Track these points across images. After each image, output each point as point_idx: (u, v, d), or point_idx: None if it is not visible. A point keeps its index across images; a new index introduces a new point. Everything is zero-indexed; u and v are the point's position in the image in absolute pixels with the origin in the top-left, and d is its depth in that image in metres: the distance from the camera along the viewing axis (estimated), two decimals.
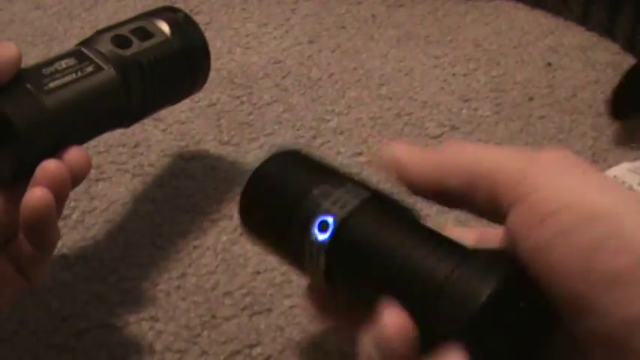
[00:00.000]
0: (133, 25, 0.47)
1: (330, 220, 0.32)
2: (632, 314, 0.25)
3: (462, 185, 0.31)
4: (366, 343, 0.30)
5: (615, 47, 0.73)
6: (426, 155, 0.32)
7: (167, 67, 0.47)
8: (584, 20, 0.75)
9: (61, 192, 0.37)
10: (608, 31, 0.73)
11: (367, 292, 0.32)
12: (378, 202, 0.33)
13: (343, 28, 0.76)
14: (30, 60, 0.41)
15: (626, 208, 0.27)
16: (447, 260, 0.29)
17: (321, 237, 0.32)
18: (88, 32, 0.72)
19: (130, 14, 0.76)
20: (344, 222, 0.32)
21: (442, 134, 0.62)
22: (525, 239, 0.28)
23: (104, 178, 0.57)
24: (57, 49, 0.70)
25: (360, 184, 0.34)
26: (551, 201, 0.27)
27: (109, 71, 0.42)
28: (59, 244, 0.50)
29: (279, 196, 0.35)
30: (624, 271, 0.25)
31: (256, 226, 0.38)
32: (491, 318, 0.27)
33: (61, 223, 0.52)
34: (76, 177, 0.39)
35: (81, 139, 0.41)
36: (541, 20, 0.77)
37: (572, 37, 0.74)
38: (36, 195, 0.35)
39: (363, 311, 0.33)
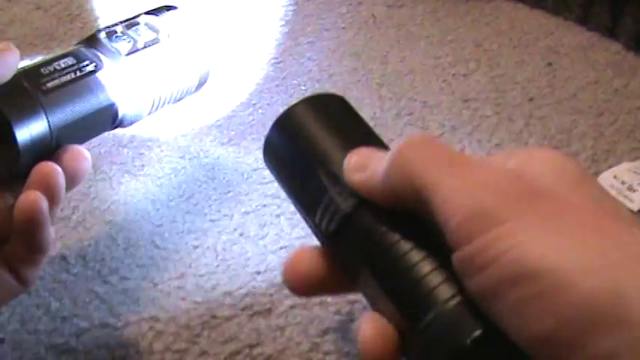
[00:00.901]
0: (132, 24, 0.47)
1: None
2: None
3: (407, 193, 0.29)
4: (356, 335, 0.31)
5: (615, 47, 0.73)
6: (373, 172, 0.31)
7: (167, 66, 0.47)
8: (584, 20, 0.75)
9: (55, 195, 0.37)
10: (609, 31, 0.73)
11: (364, 271, 0.31)
12: None
13: (343, 28, 0.76)
14: (30, 60, 0.41)
15: (568, 262, 0.24)
16: (451, 282, 0.28)
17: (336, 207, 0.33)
18: (87, 32, 0.72)
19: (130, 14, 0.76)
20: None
21: (442, 134, 0.62)
22: (467, 283, 0.27)
23: (104, 178, 0.57)
24: (57, 49, 0.70)
25: None
26: (492, 250, 0.25)
27: (108, 71, 0.42)
28: (59, 244, 0.50)
29: (307, 145, 0.35)
30: (548, 335, 0.24)
31: (277, 164, 0.38)
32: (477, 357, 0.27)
33: (61, 223, 0.52)
34: (76, 176, 0.38)
35: (80, 139, 0.41)
36: (541, 20, 0.77)
37: (572, 37, 0.74)
38: (29, 198, 0.35)
39: (350, 278, 0.33)
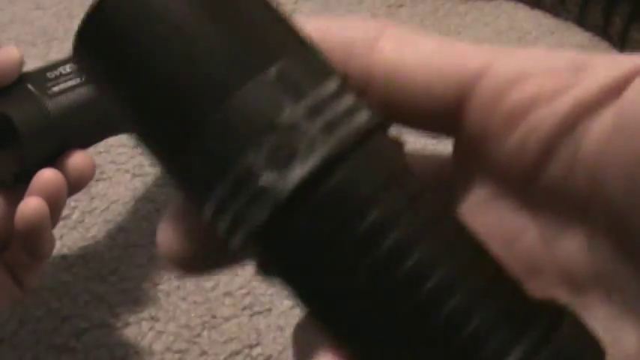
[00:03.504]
0: None
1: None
2: None
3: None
4: None
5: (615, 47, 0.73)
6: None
7: None
8: (581, 21, 0.75)
9: (56, 202, 0.36)
10: (603, 30, 0.73)
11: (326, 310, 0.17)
12: (384, 139, 0.17)
13: None
14: (30, 60, 0.41)
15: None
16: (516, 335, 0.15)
17: (275, 177, 0.15)
18: None
19: None
20: (330, 165, 0.16)
21: None
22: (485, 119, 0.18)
23: (104, 178, 0.57)
24: (57, 49, 0.70)
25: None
26: (511, 73, 0.18)
27: None
28: (59, 244, 0.50)
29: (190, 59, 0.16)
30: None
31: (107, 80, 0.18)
32: None
33: (61, 223, 0.52)
34: (80, 182, 0.38)
35: (85, 143, 0.41)
36: (541, 20, 0.77)
37: (572, 37, 0.74)
38: (30, 205, 0.35)
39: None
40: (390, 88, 0.19)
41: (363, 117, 0.16)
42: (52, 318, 0.46)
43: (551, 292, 0.19)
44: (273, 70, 0.16)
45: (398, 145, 0.17)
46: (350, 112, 0.16)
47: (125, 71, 0.17)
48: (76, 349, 0.44)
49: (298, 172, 0.15)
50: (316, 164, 0.15)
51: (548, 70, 0.18)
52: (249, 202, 0.16)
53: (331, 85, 0.16)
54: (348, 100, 0.16)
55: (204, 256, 0.21)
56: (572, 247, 0.18)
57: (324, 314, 0.17)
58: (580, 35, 0.75)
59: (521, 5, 0.79)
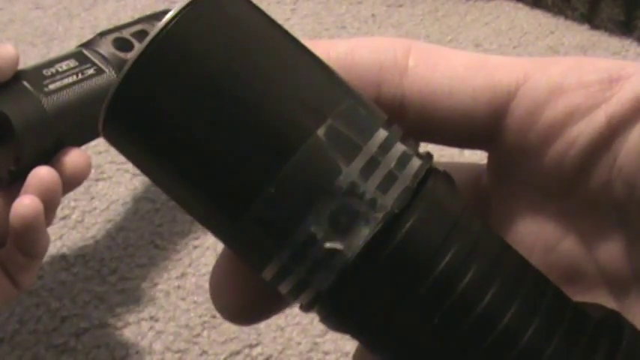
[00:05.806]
0: (134, 28, 0.47)
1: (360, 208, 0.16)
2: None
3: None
4: None
5: (615, 47, 0.73)
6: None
7: None
8: (589, 17, 0.75)
9: (51, 200, 0.36)
10: (623, 25, 0.73)
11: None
12: (446, 180, 0.17)
13: (343, 28, 0.76)
14: (30, 59, 0.41)
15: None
16: None
17: (338, 241, 0.15)
18: (87, 32, 0.72)
19: (130, 14, 0.76)
20: (392, 223, 0.15)
21: None
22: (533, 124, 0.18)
23: (104, 177, 0.57)
24: (57, 49, 0.70)
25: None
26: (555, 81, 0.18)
27: (109, 74, 0.43)
28: (59, 243, 0.50)
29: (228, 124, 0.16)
30: None
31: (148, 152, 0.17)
32: None
33: (61, 223, 0.52)
34: (75, 179, 0.38)
35: (81, 141, 0.41)
36: (541, 20, 0.77)
37: (572, 37, 0.74)
38: (25, 203, 0.35)
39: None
40: (424, 109, 0.19)
41: (415, 165, 0.16)
42: (52, 318, 0.46)
43: (592, 294, 0.19)
44: (322, 131, 0.16)
45: (450, 183, 0.17)
46: (402, 162, 0.16)
47: (176, 145, 0.16)
48: (76, 349, 0.44)
49: (362, 234, 0.15)
50: (379, 225, 0.15)
51: (581, 84, 0.18)
52: (314, 267, 0.16)
53: (380, 134, 0.16)
54: (398, 148, 0.16)
55: (259, 309, 0.21)
56: (612, 249, 0.18)
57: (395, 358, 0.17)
58: (581, 35, 0.75)
59: (521, 5, 0.79)
